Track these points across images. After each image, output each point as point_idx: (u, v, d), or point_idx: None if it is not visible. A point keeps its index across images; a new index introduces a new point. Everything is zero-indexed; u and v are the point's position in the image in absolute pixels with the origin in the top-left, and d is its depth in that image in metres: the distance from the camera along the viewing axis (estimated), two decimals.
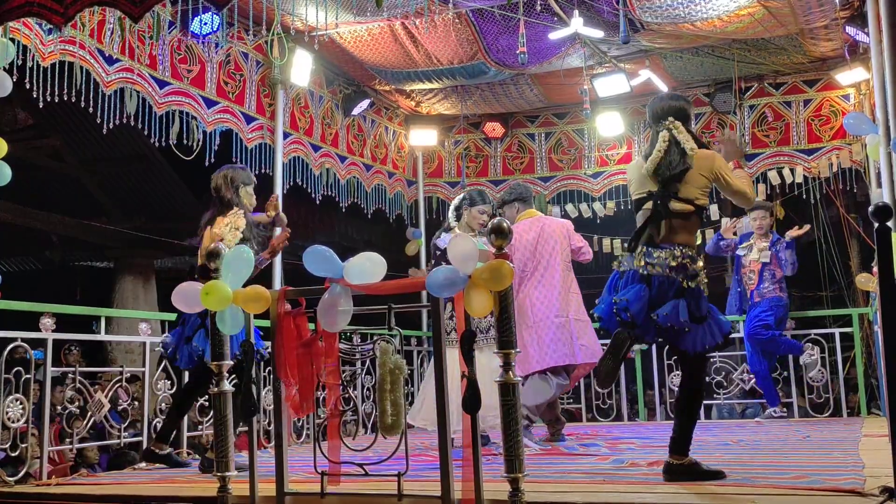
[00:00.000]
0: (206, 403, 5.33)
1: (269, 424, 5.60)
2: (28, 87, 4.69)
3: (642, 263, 3.63)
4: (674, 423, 3.73)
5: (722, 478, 3.56)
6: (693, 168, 3.64)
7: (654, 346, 7.31)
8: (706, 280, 3.69)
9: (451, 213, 5.44)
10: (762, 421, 6.97)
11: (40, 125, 11.15)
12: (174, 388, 5.43)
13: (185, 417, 5.31)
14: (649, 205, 3.71)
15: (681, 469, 3.60)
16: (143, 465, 5.09)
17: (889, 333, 2.88)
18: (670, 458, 3.65)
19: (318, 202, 7.37)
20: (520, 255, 5.39)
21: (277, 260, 6.43)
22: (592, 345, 5.42)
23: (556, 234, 5.51)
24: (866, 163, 7.00)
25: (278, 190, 6.60)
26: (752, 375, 7.44)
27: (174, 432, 4.92)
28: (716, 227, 7.99)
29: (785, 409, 7.15)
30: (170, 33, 5.70)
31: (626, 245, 3.85)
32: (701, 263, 3.69)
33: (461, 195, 5.50)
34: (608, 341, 3.69)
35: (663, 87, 7.67)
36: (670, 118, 3.75)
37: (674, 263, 3.59)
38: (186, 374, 5.09)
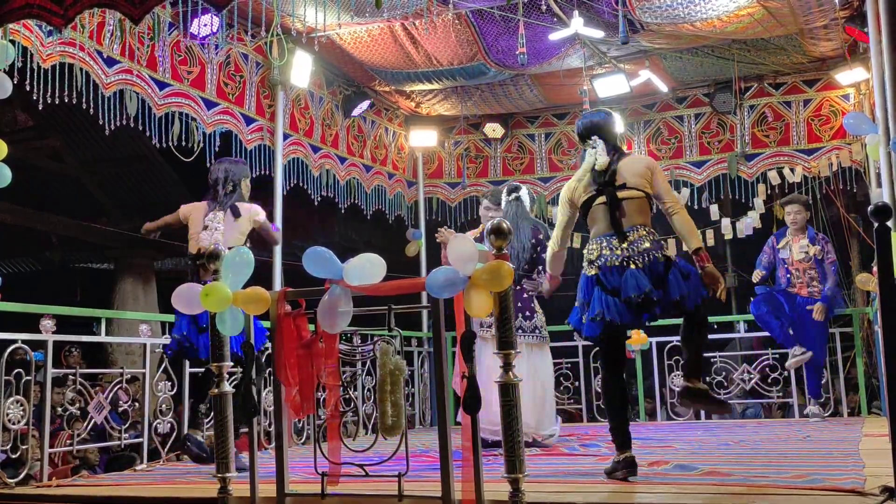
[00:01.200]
0: (207, 405, 5.32)
1: (269, 425, 5.60)
2: (28, 88, 4.69)
3: (621, 254, 3.83)
4: (684, 352, 3.98)
5: (727, 409, 3.84)
6: (621, 167, 3.96)
7: (654, 351, 7.33)
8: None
9: (508, 195, 5.62)
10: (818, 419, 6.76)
11: (40, 126, 11.15)
12: (174, 390, 5.44)
13: (186, 419, 5.32)
14: (601, 199, 3.95)
15: (696, 392, 3.84)
16: (143, 466, 5.10)
17: (889, 333, 2.88)
18: (686, 382, 3.86)
19: (317, 203, 7.37)
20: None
21: (277, 261, 6.44)
22: None
23: None
24: (866, 162, 7.00)
25: (278, 191, 6.61)
26: (752, 375, 7.44)
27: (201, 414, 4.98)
28: (715, 226, 7.99)
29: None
30: (170, 35, 5.70)
31: (587, 247, 4.00)
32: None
33: (524, 189, 5.75)
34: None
35: (663, 88, 7.68)
36: (594, 137, 4.08)
37: (647, 245, 3.81)
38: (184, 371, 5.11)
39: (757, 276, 7.06)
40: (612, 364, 3.98)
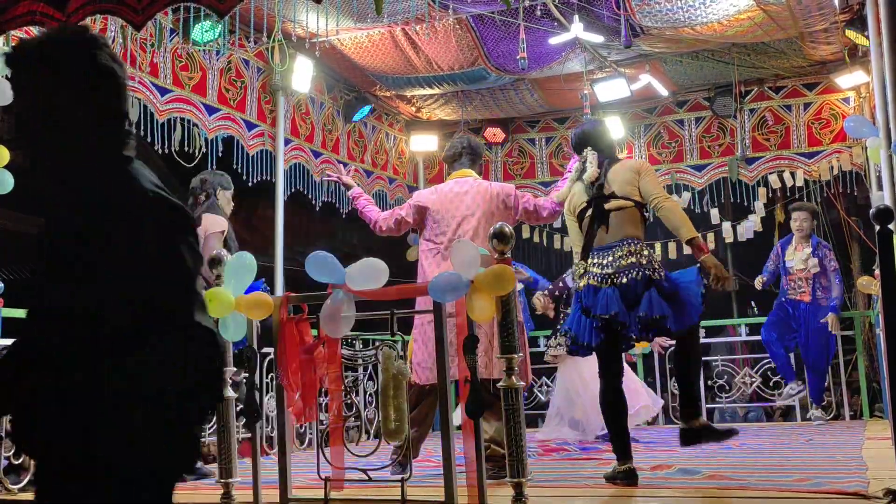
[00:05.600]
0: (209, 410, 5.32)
1: (271, 431, 5.60)
2: None
3: (600, 271, 3.72)
4: (678, 391, 3.79)
5: (735, 434, 3.65)
6: (610, 177, 3.86)
7: (655, 354, 7.32)
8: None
9: None
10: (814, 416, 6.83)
11: None
12: None
13: None
14: (591, 211, 3.87)
15: (692, 433, 3.65)
16: None
17: (891, 336, 2.89)
18: (682, 425, 3.69)
19: (318, 208, 7.37)
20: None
21: (279, 265, 6.44)
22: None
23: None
24: (867, 166, 7.01)
25: (279, 196, 6.61)
26: (753, 379, 7.44)
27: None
28: (716, 230, 8.00)
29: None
30: (171, 41, 5.72)
31: (578, 260, 3.91)
32: (652, 252, 3.81)
33: None
34: None
35: (664, 92, 7.69)
36: (588, 148, 3.99)
37: (631, 261, 3.67)
38: None
39: (759, 282, 7.08)
40: (604, 372, 3.85)
